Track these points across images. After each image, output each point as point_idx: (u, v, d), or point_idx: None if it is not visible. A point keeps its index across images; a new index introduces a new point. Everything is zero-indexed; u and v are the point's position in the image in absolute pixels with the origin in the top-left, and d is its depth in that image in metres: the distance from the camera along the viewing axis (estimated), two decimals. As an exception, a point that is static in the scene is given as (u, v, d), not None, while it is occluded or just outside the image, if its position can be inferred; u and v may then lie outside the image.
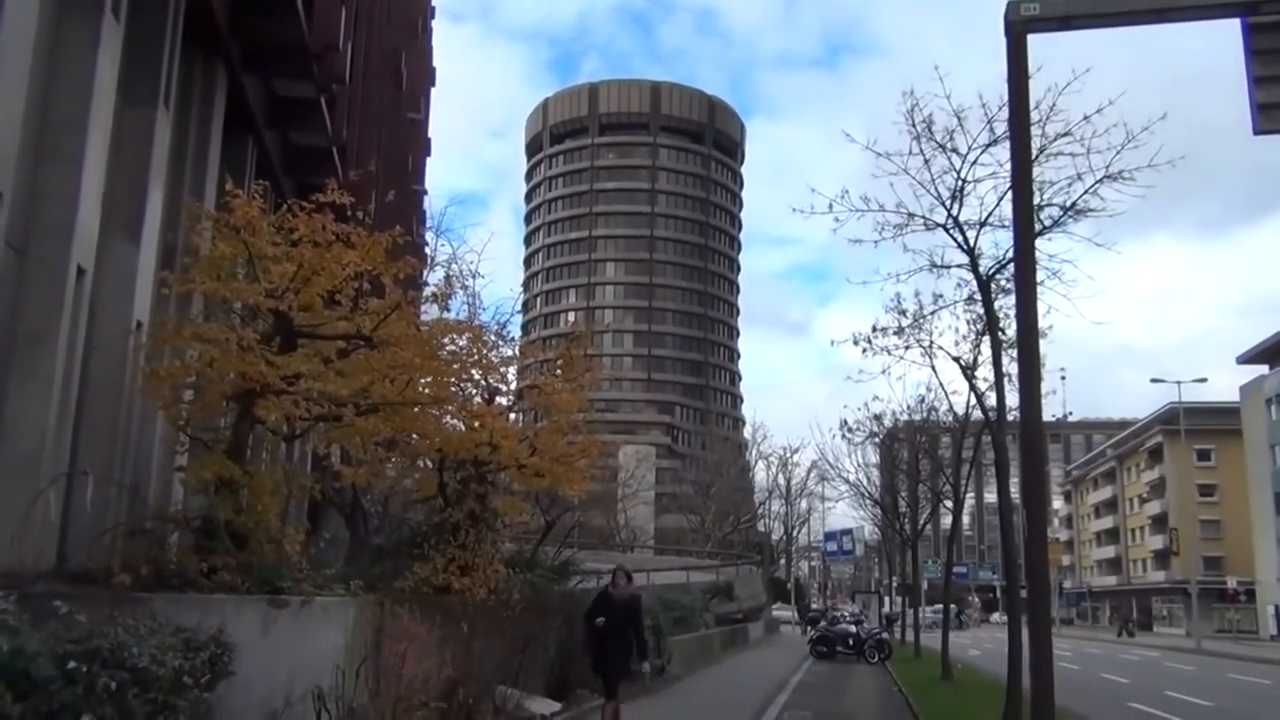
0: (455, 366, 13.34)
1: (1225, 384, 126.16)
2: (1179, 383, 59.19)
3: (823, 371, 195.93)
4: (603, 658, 12.76)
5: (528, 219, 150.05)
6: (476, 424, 13.64)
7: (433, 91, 38.52)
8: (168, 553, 9.50)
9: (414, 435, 13.21)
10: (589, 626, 12.87)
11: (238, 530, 9.23)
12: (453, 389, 13.49)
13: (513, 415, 18.15)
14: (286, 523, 11.26)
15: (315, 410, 10.23)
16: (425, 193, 35.12)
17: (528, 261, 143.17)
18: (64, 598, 6.62)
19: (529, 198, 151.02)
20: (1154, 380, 69.41)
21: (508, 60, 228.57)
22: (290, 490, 11.11)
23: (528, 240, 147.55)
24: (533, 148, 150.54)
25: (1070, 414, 68.49)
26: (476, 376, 14.53)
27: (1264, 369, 76.43)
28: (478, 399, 14.72)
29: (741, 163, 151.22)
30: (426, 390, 12.29)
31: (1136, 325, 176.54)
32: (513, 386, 17.85)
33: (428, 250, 22.32)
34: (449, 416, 13.92)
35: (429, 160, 37.26)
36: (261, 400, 9.58)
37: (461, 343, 13.73)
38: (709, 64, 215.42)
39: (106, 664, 5.68)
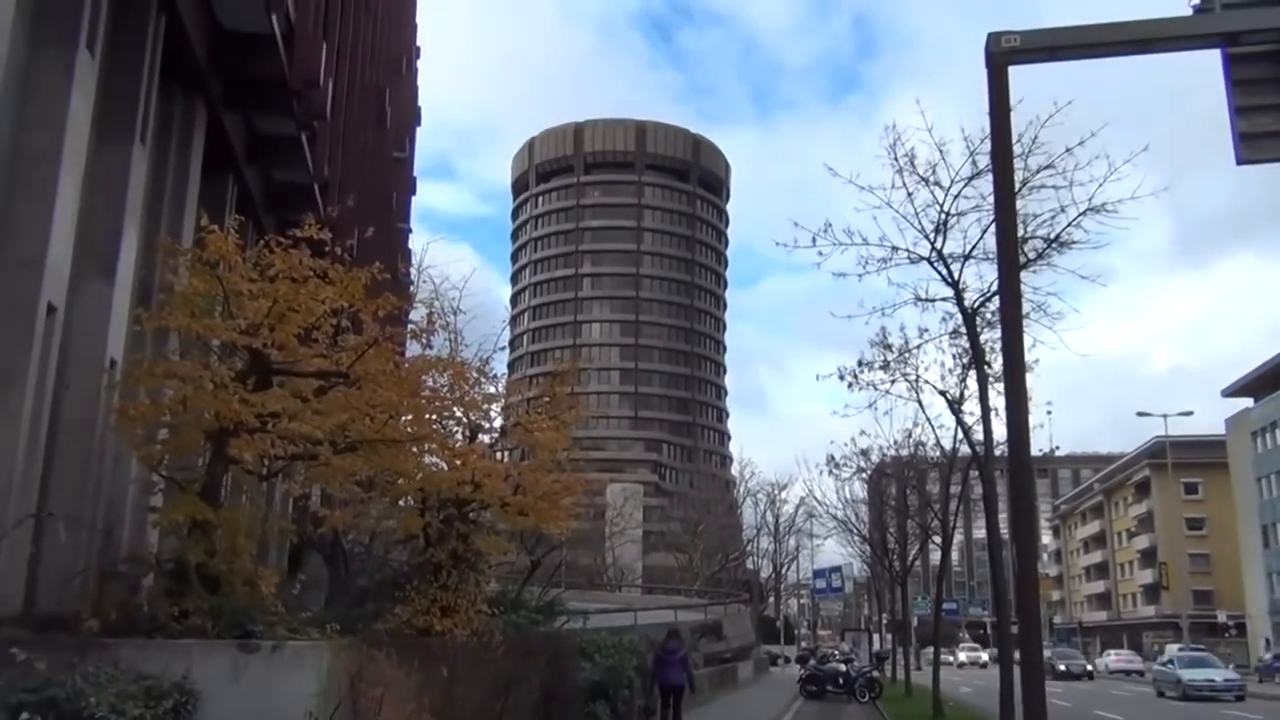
0: (436, 404, 13.16)
1: (1213, 417, 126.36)
2: (1165, 416, 59.04)
3: (833, 403, 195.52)
4: None
5: (514, 257, 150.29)
6: (459, 462, 13.44)
7: (418, 130, 38.63)
8: (139, 596, 9.28)
9: (394, 474, 13.00)
10: None
11: (210, 573, 9.00)
12: (434, 427, 13.29)
13: (498, 454, 17.95)
14: (263, 565, 11.04)
15: (291, 449, 10.03)
16: (409, 230, 35.09)
17: (514, 300, 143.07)
18: (25, 644, 6.40)
19: (515, 236, 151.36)
20: (1140, 414, 69.37)
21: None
22: (265, 532, 10.87)
23: (514, 279, 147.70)
24: (518, 187, 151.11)
25: (1057, 448, 68.34)
26: (458, 414, 14.35)
27: (1249, 402, 76.68)
28: (459, 437, 14.52)
29: (727, 200, 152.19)
30: (407, 428, 12.10)
31: (1141, 356, 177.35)
32: (496, 424, 17.65)
33: (412, 289, 22.21)
34: (430, 455, 13.72)
35: (413, 198, 37.27)
36: (235, 439, 9.37)
37: (443, 380, 13.57)
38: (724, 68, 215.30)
39: (63, 714, 5.48)
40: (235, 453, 9.64)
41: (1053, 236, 14.36)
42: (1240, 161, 9.56)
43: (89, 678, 5.86)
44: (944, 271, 15.36)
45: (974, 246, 15.18)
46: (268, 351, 9.78)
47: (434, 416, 13.64)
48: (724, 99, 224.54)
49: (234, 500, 11.64)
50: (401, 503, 15.12)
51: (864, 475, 36.53)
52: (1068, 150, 13.68)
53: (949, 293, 15.61)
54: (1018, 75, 9.83)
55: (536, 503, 14.37)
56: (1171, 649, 71.30)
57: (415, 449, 12.71)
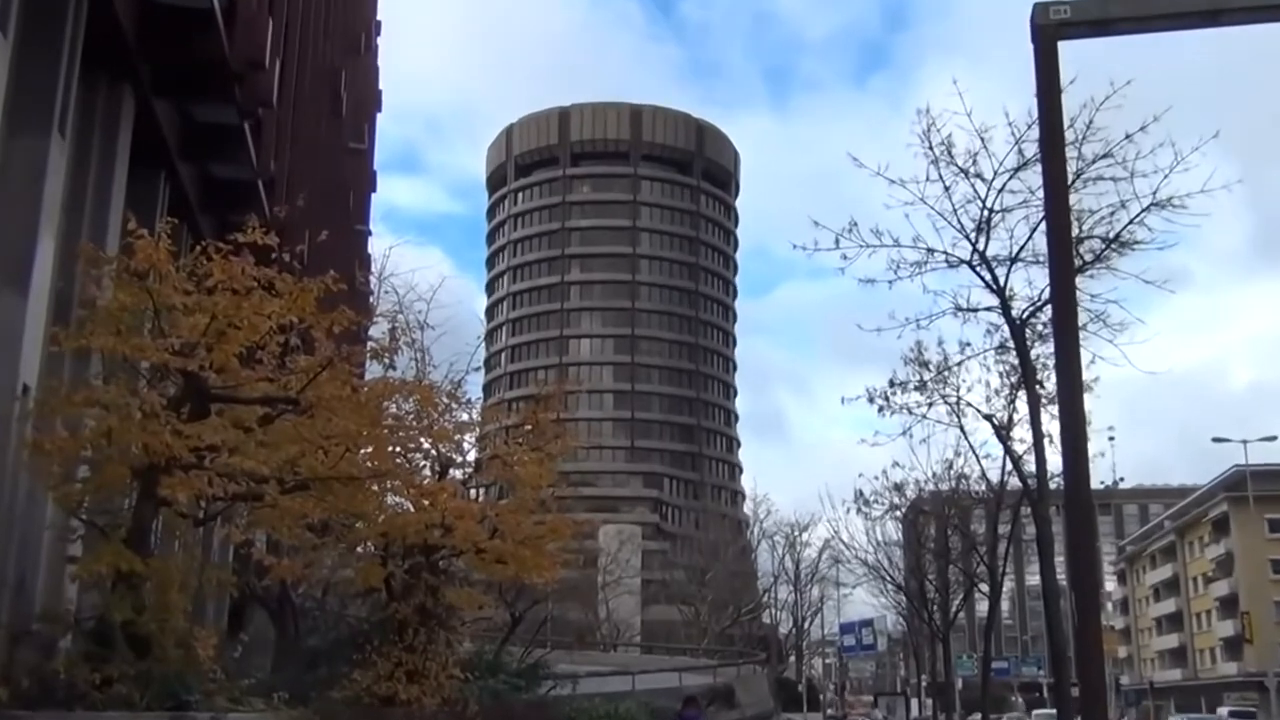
0: (400, 434, 13.17)
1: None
2: (1244, 441, 58.65)
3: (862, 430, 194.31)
4: None
5: (490, 263, 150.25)
6: (426, 502, 13.45)
7: (378, 117, 38.80)
8: (56, 661, 9.25)
9: (352, 517, 13.00)
10: None
11: (138, 633, 8.98)
12: (398, 461, 13.30)
13: (472, 491, 17.97)
14: (200, 623, 11.03)
15: (232, 488, 10.02)
16: (369, 233, 35.20)
17: (490, 312, 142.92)
18: (-78, 719, 6.38)
19: (491, 238, 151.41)
20: (1216, 440, 68.98)
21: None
22: (202, 585, 10.86)
23: (490, 287, 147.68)
24: (495, 181, 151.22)
25: (1122, 480, 68.07)
26: (426, 445, 14.37)
27: (1340, 426, 76.69)
28: (427, 472, 14.55)
29: (736, 196, 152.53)
30: (367, 463, 12.11)
31: (1216, 372, 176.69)
32: (470, 457, 17.69)
33: (373, 301, 22.29)
34: (393, 494, 13.73)
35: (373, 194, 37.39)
36: (167, 477, 9.37)
37: (408, 406, 13.59)
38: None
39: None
40: (167, 492, 9.64)
41: (1112, 235, 14.47)
42: (1326, 149, 9.60)
43: (-3, 758, 5.85)
44: (988, 277, 15.48)
45: (1022, 248, 15.31)
46: (205, 375, 9.79)
47: (398, 449, 13.66)
48: (732, 79, 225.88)
49: (166, 548, 11.63)
50: (360, 549, 15.12)
51: (898, 513, 36.60)
52: (1128, 137, 13.81)
53: (994, 301, 15.73)
54: (1069, 51, 9.89)
55: (517, 548, 14.37)
56: (1222, 712, 70.65)
57: (376, 487, 12.71)
